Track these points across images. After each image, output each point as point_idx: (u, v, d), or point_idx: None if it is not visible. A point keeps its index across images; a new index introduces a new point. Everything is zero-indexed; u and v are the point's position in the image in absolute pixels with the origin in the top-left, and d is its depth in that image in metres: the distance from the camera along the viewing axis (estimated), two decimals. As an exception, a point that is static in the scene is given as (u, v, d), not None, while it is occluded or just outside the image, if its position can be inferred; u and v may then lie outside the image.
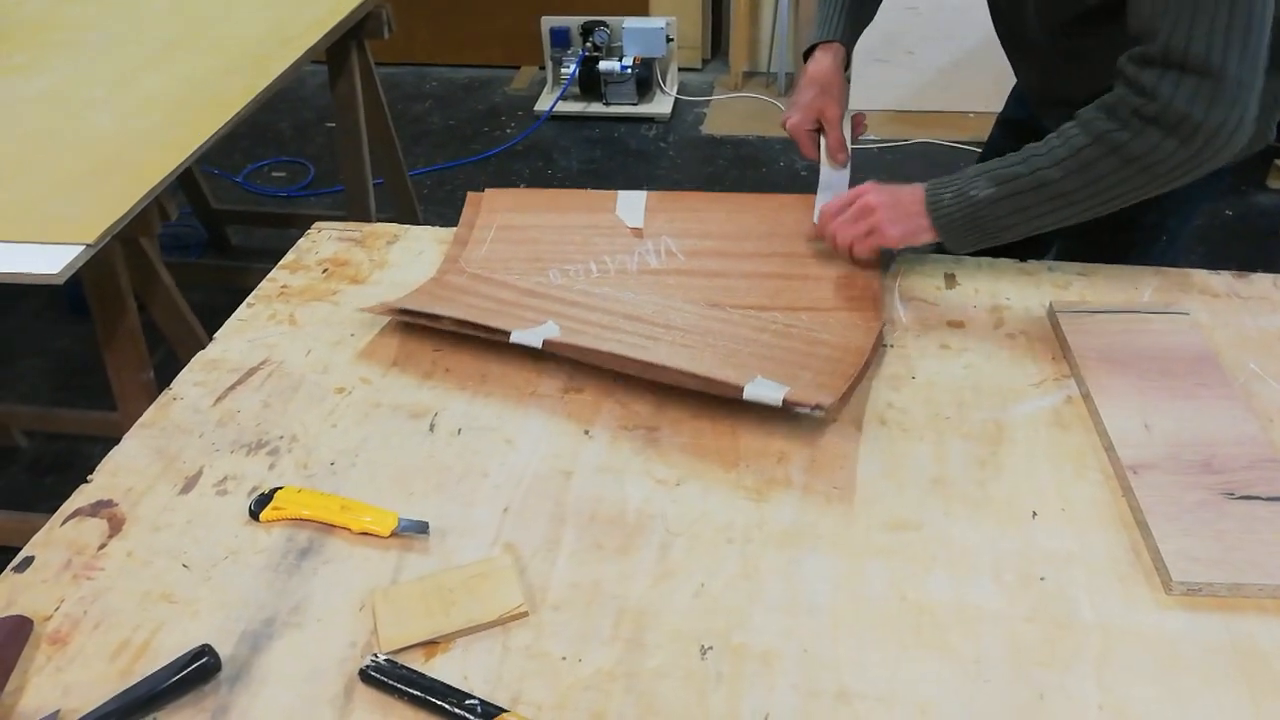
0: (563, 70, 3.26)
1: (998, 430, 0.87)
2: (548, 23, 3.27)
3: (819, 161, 1.14)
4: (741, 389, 0.84)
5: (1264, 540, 0.73)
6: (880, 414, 0.89)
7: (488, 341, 0.96)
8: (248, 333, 1.03)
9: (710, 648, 0.69)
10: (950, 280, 1.06)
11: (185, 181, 2.51)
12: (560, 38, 3.28)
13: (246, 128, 3.37)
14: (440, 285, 1.05)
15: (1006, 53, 1.18)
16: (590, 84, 3.21)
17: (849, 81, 1.15)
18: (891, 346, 0.97)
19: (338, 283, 1.10)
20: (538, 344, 0.92)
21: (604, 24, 3.20)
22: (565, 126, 3.23)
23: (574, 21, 3.25)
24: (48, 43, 1.69)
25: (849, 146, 1.13)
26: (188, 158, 1.33)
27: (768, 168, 3.01)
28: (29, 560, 0.78)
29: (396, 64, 3.74)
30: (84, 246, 1.15)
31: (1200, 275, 1.05)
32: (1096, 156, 0.87)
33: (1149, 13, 0.84)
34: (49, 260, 1.12)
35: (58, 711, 0.66)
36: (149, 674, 0.67)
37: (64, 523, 0.81)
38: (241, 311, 1.06)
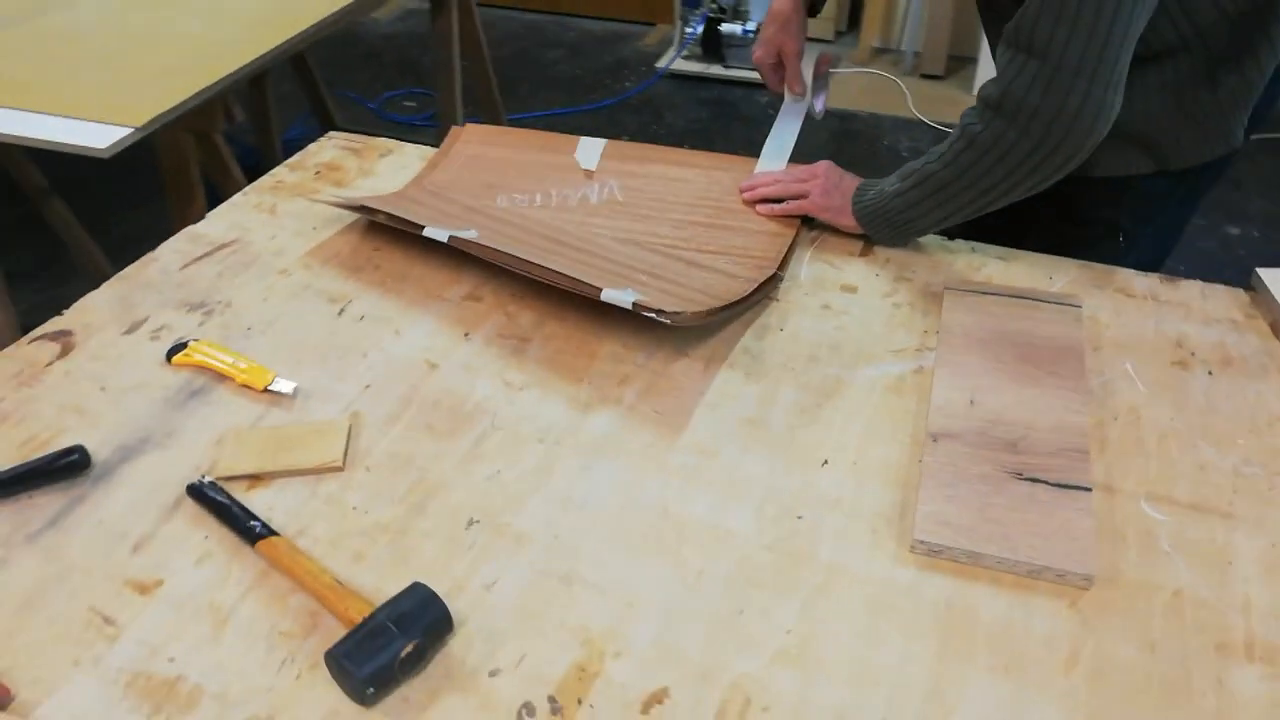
0: (687, 29, 3.31)
1: (834, 387, 0.90)
2: (681, -19, 3.32)
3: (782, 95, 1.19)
4: (600, 290, 0.91)
5: (1026, 519, 0.74)
6: (733, 358, 0.94)
7: (418, 247, 1.06)
8: (232, 215, 1.17)
9: (477, 521, 0.78)
10: (865, 249, 1.08)
11: (314, 100, 2.75)
12: (691, -2, 3.32)
13: (393, 58, 3.62)
14: (397, 195, 1.16)
15: (985, 29, 1.16)
16: (713, 45, 3.25)
17: (809, 18, 1.19)
18: (777, 301, 1.01)
19: (323, 184, 1.23)
20: (444, 239, 1.01)
21: (733, -14, 3.23)
22: (682, 85, 3.29)
23: (707, -17, 3.29)
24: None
25: (806, 81, 1.17)
26: (241, 67, 1.49)
27: (871, 145, 2.97)
28: (-10, 364, 0.95)
29: (542, 11, 3.90)
30: (133, 129, 1.33)
31: (1125, 274, 1.02)
32: (961, 150, 0.89)
33: None
34: (102, 136, 1.31)
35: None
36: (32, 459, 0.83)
37: (30, 342, 0.98)
38: (236, 197, 1.21)
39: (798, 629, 0.69)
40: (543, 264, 0.95)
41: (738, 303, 0.96)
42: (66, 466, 0.82)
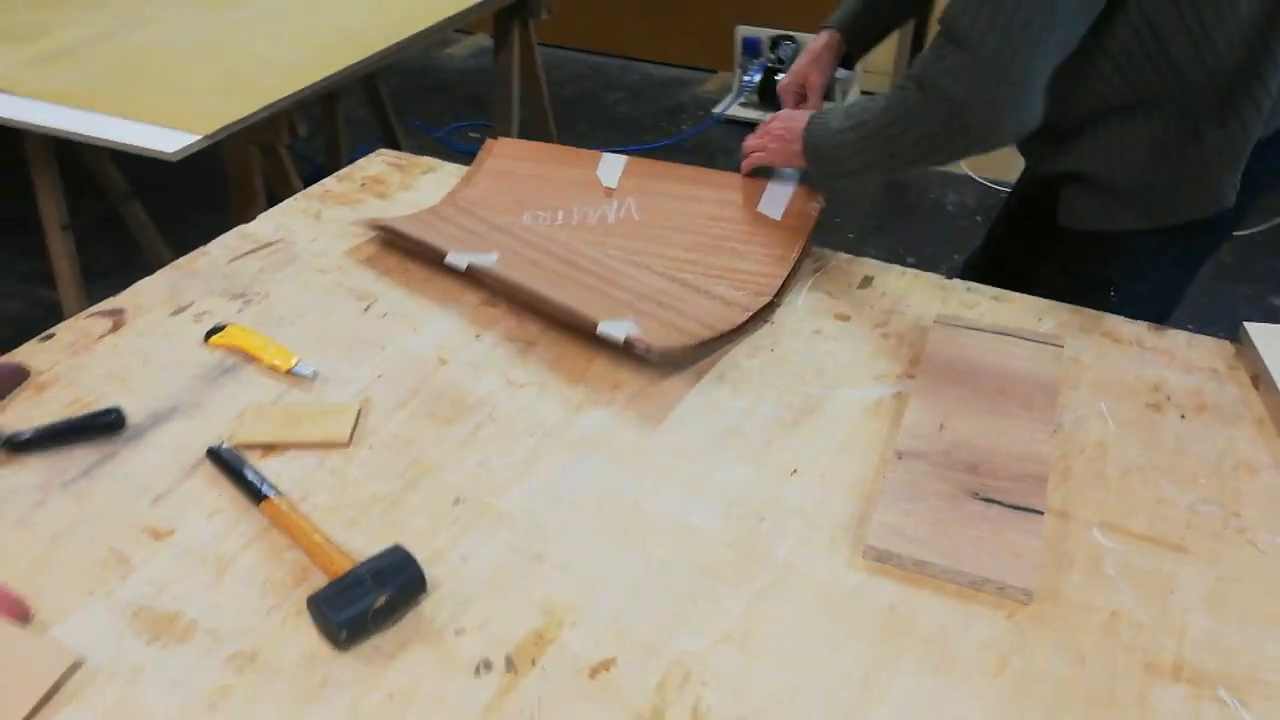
0: (745, 78, 3.40)
1: (814, 405, 0.94)
2: (741, 32, 3.42)
3: None
4: (596, 324, 0.97)
5: (976, 535, 0.77)
6: (723, 372, 0.99)
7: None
8: (281, 218, 1.27)
9: (462, 500, 0.84)
10: (865, 282, 1.12)
11: (382, 125, 2.89)
12: (752, 47, 3.42)
13: (463, 92, 3.78)
14: (430, 213, 1.25)
15: None
16: (769, 95, 3.33)
17: (845, 65, 1.28)
18: (772, 324, 1.06)
19: (367, 195, 1.33)
20: (463, 268, 1.09)
21: (792, 39, 3.31)
22: (737, 130, 3.37)
23: (766, 33, 3.38)
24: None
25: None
26: (305, 87, 1.61)
27: (917, 196, 3.01)
28: (50, 335, 1.05)
29: (606, 54, 4.04)
30: (200, 136, 1.44)
31: (1114, 320, 1.05)
32: (886, 108, 0.96)
33: None
34: (171, 141, 1.43)
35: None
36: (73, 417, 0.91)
37: (88, 317, 1.08)
38: (287, 202, 1.31)
39: (745, 617, 0.73)
40: (548, 294, 1.02)
41: (731, 331, 1.02)
42: (103, 425, 0.90)
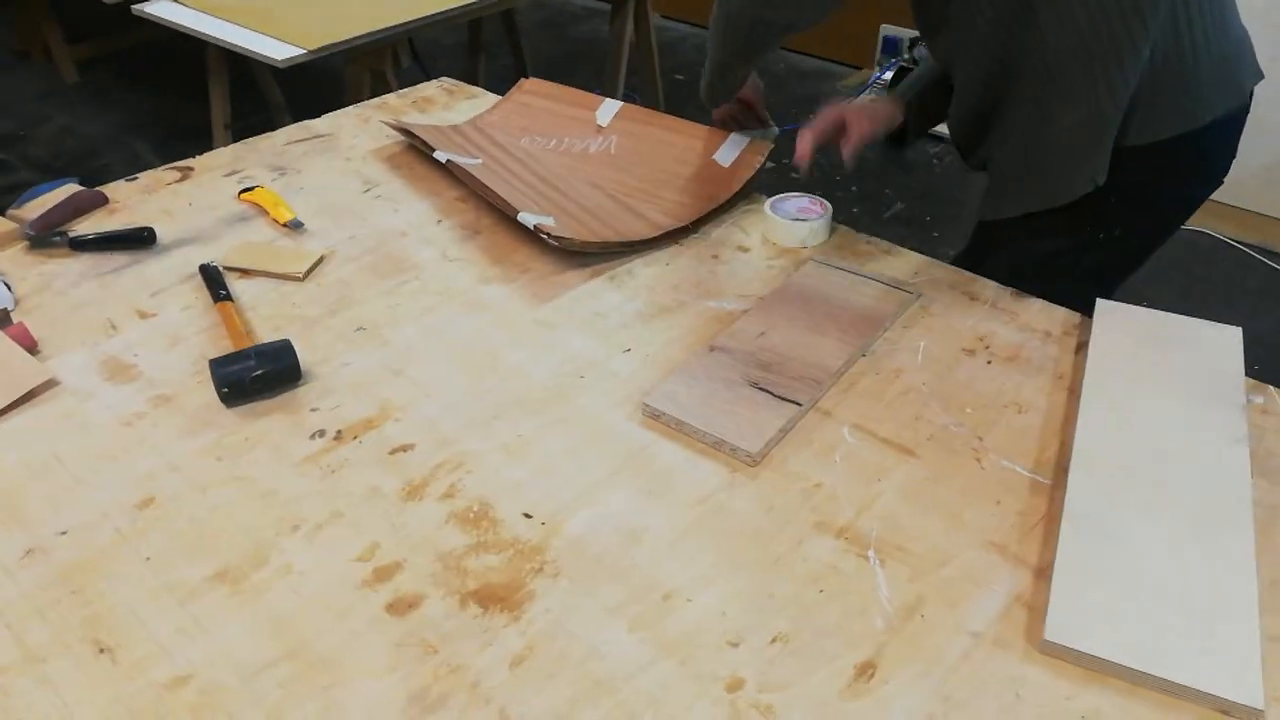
0: (877, 75, 3.46)
1: (675, 307, 1.10)
2: (885, 30, 3.48)
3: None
4: (518, 211, 1.17)
5: (734, 410, 0.92)
6: (615, 273, 1.16)
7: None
8: (338, 120, 1.55)
9: (364, 329, 1.06)
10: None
11: (518, 63, 3.19)
12: (892, 46, 3.47)
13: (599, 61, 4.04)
14: (450, 126, 1.48)
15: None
16: (898, 92, 3.38)
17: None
18: (680, 245, 1.22)
19: (414, 110, 1.58)
20: (444, 161, 1.32)
21: (929, 40, 3.34)
22: (860, 125, 3.44)
23: (908, 34, 3.43)
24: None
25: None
26: (398, 25, 1.89)
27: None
28: (135, 178, 1.36)
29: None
30: (305, 50, 1.75)
31: (982, 284, 1.13)
32: None
33: None
34: (283, 51, 1.74)
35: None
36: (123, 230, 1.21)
37: (164, 169, 1.38)
38: (350, 108, 1.59)
39: (528, 435, 0.92)
40: (494, 188, 1.23)
41: (637, 242, 1.19)
42: (138, 239, 1.19)
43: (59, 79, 3.85)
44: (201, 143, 2.65)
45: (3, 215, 1.24)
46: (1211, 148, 1.14)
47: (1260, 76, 1.13)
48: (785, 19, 1.13)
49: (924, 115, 1.32)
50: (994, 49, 1.10)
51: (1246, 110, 1.13)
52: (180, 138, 3.36)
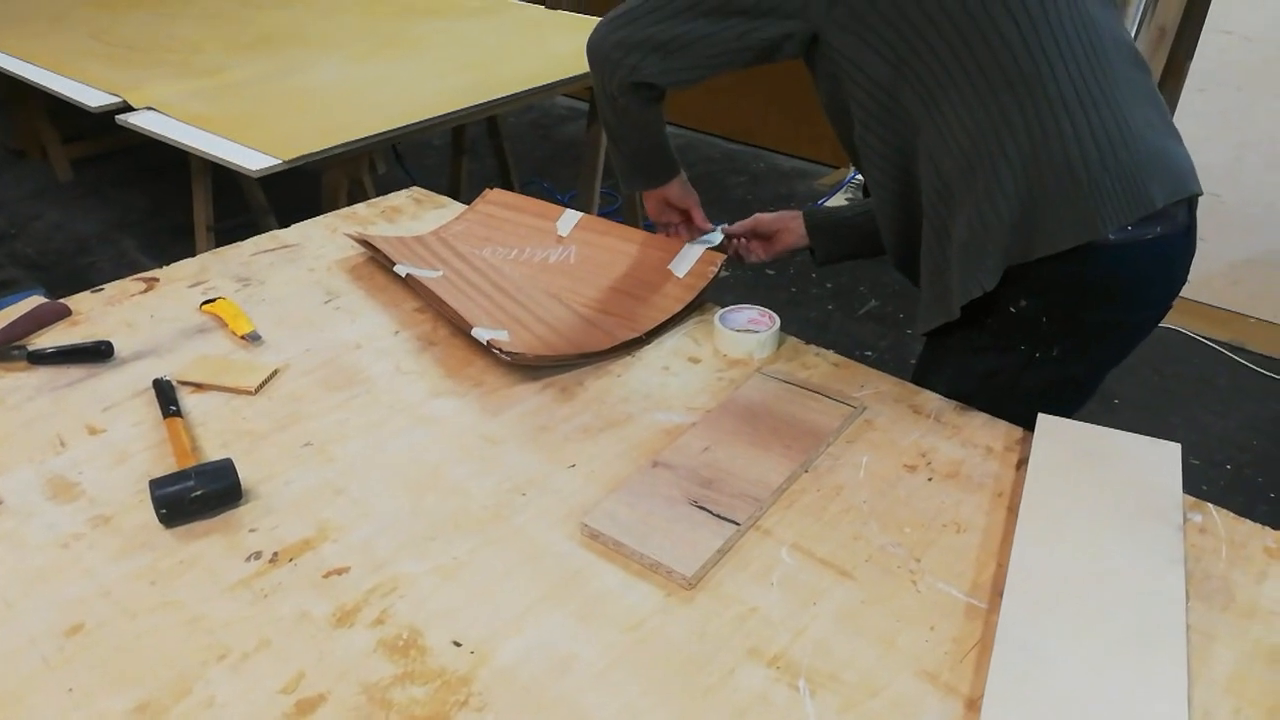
0: (852, 175, 3.55)
1: (623, 421, 1.11)
2: (858, 130, 3.58)
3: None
4: (473, 327, 1.19)
5: (670, 529, 0.92)
6: (566, 385, 1.18)
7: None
8: (307, 229, 1.58)
9: (311, 445, 1.07)
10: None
11: (504, 177, 3.26)
12: (866, 146, 3.57)
13: (573, 156, 4.14)
14: (413, 237, 1.52)
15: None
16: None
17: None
18: (633, 356, 1.24)
19: (381, 220, 1.62)
20: (403, 275, 1.34)
21: (901, 141, 3.44)
22: (837, 222, 3.52)
23: (881, 134, 3.53)
24: (399, 45, 2.46)
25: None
26: (373, 135, 1.94)
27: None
28: (101, 289, 1.38)
29: (743, 143, 4.29)
30: (281, 160, 1.79)
31: (926, 396, 1.15)
32: None
33: None
34: (258, 161, 1.79)
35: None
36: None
37: (131, 280, 1.41)
38: (320, 218, 1.62)
39: (463, 557, 0.92)
40: (450, 302, 1.25)
41: (592, 354, 1.21)
42: (96, 353, 1.21)
43: (53, 177, 3.93)
44: (188, 240, 2.70)
45: (-36, 328, 1.26)
46: (1131, 266, 1.10)
47: (1185, 193, 1.10)
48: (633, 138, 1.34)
49: (836, 242, 1.46)
50: (895, 174, 1.15)
51: (1175, 231, 1.10)
52: (170, 234, 3.42)
